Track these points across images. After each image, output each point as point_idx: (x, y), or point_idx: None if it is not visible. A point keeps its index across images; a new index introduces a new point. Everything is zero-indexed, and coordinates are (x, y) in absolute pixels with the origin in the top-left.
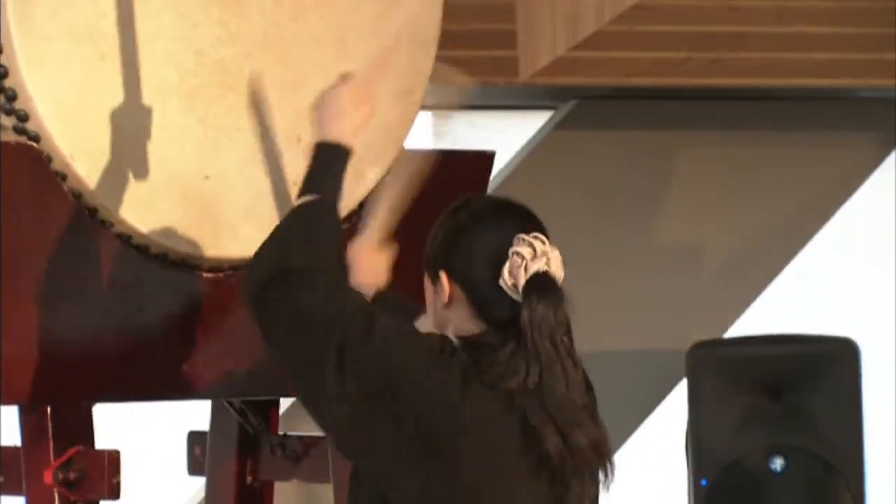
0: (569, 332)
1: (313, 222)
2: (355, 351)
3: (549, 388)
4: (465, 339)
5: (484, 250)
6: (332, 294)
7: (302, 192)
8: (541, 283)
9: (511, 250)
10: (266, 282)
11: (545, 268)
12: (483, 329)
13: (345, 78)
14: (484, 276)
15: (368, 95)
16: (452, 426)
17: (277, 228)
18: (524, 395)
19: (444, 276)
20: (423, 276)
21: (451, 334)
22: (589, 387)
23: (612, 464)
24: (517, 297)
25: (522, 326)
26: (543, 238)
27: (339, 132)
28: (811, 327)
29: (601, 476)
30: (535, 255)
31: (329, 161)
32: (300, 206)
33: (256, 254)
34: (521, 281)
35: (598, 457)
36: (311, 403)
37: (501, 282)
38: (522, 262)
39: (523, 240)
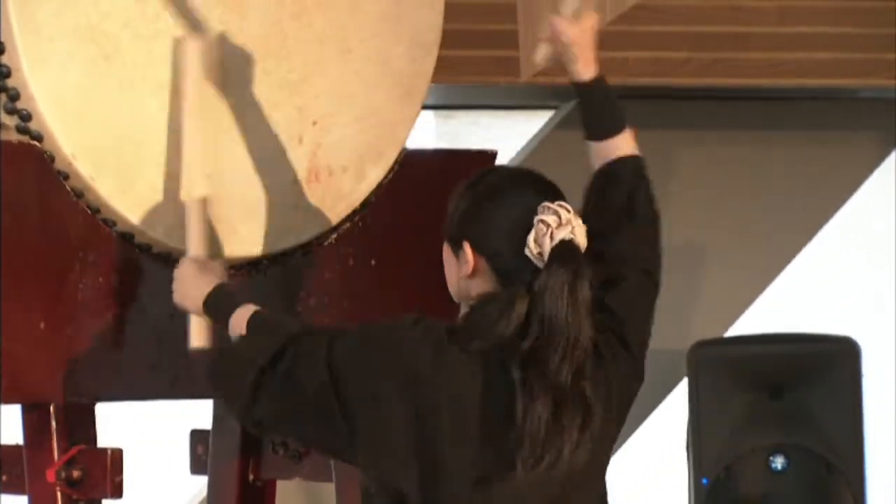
0: (588, 305)
1: (278, 319)
2: (336, 370)
3: (543, 354)
4: (472, 304)
5: (508, 220)
6: (308, 331)
7: (227, 319)
8: (564, 251)
9: (536, 218)
10: (244, 400)
11: (570, 236)
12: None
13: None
14: (509, 245)
15: (204, 263)
16: (429, 396)
17: (228, 354)
18: (511, 358)
19: (467, 248)
20: (442, 247)
21: (470, 302)
22: (639, 377)
23: (548, 451)
24: (541, 266)
25: (536, 289)
26: (568, 206)
27: (205, 289)
28: (812, 326)
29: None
30: (561, 223)
31: (223, 297)
32: (255, 316)
33: (219, 383)
34: (547, 249)
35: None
36: (335, 455)
37: (527, 250)
38: (548, 229)
39: (548, 208)
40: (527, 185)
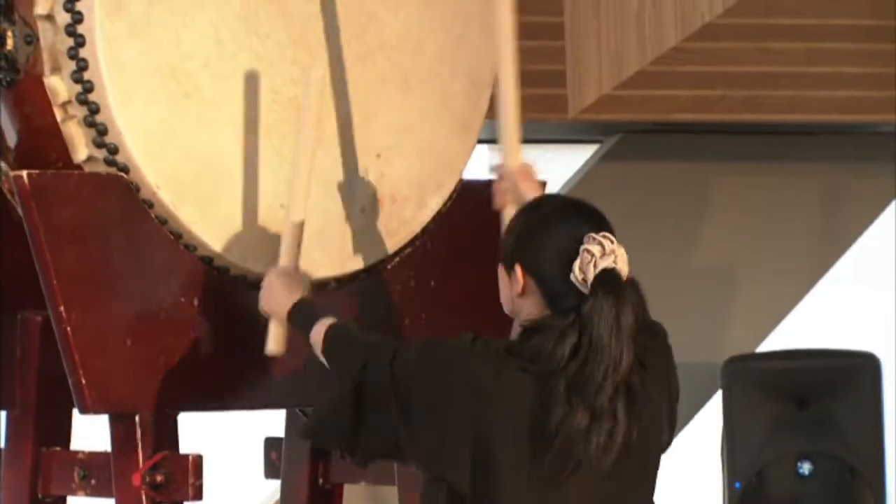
0: (635, 326)
1: (353, 333)
2: (401, 379)
3: (588, 373)
4: (525, 326)
5: (556, 247)
6: (376, 342)
7: (309, 330)
8: (608, 280)
9: (582, 248)
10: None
11: (613, 265)
12: (548, 316)
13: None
14: (555, 270)
15: (292, 275)
16: (489, 407)
17: (331, 354)
18: (559, 375)
19: (518, 269)
20: (498, 267)
21: (521, 319)
22: (675, 394)
23: (593, 456)
24: (585, 291)
25: (583, 316)
26: (612, 237)
27: (291, 300)
28: (836, 343)
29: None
30: (604, 253)
31: (306, 310)
32: (330, 330)
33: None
34: (591, 276)
35: (599, 447)
36: (403, 450)
37: (572, 276)
38: (592, 258)
39: (593, 238)
40: (575, 215)
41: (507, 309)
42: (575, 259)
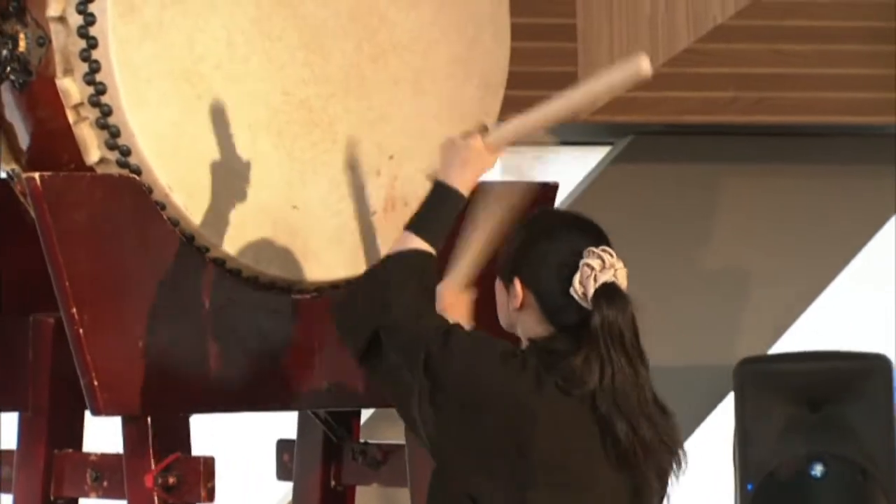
0: (637, 336)
1: (414, 272)
2: (436, 362)
3: (621, 388)
4: (535, 342)
5: (556, 261)
6: (417, 319)
7: (412, 224)
8: (609, 292)
9: (582, 262)
10: (362, 316)
11: (612, 279)
12: (551, 332)
13: (481, 129)
14: (555, 284)
15: (496, 152)
16: (529, 422)
17: (382, 267)
18: (598, 394)
19: (517, 283)
20: (496, 280)
21: (519, 333)
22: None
23: (681, 454)
24: (586, 305)
25: (593, 330)
26: (611, 251)
27: (462, 181)
28: (848, 344)
29: (673, 466)
30: (604, 267)
31: (444, 203)
32: (408, 253)
33: (357, 286)
34: (591, 290)
35: (667, 449)
36: (404, 407)
37: (572, 290)
38: (592, 272)
39: (593, 252)
40: (574, 229)
41: (504, 323)
42: (575, 273)
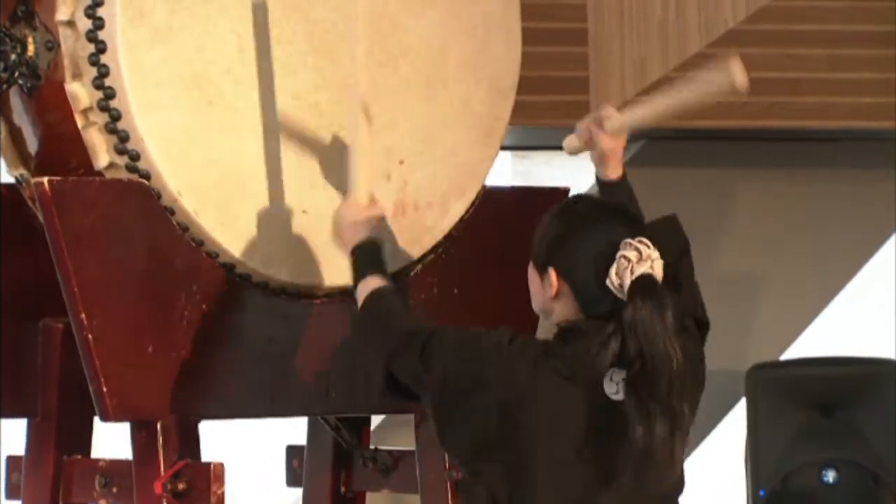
0: (672, 325)
1: (391, 308)
2: (433, 355)
3: (652, 379)
4: (562, 327)
5: (593, 252)
6: (410, 329)
7: (357, 277)
8: (645, 285)
9: (619, 254)
10: (372, 361)
11: (649, 271)
12: (581, 319)
13: (345, 197)
14: (591, 275)
15: (370, 203)
16: (524, 406)
17: (363, 313)
18: (604, 377)
19: (552, 273)
20: (529, 267)
21: (552, 321)
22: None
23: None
24: (621, 296)
25: (625, 325)
26: (648, 242)
27: (357, 236)
28: (860, 350)
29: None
30: (641, 259)
31: (367, 254)
32: (372, 295)
33: (356, 336)
34: (627, 282)
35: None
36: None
37: (608, 282)
38: (629, 264)
39: (630, 244)
40: (612, 219)
41: (537, 309)
42: (611, 265)
